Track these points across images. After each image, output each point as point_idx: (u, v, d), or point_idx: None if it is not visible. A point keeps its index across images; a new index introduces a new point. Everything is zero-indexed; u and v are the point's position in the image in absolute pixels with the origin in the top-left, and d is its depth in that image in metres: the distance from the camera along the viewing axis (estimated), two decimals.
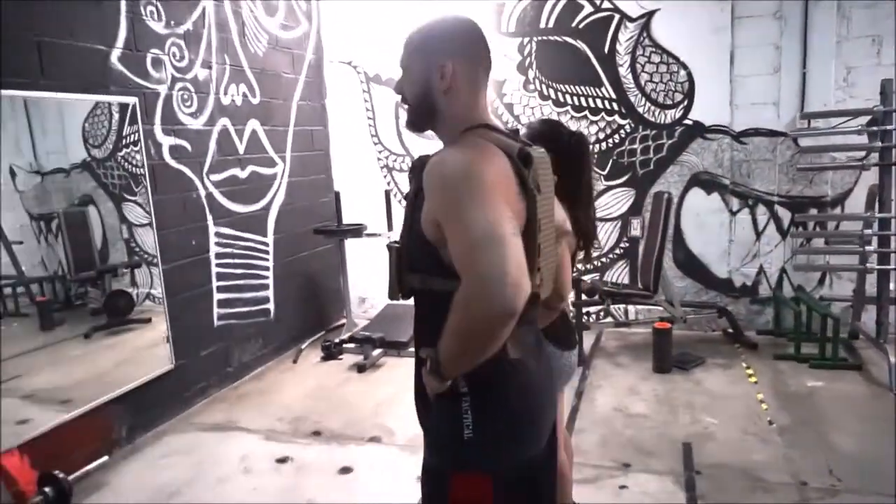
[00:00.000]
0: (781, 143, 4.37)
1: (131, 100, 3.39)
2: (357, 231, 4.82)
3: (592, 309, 4.78)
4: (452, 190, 1.20)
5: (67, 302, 4.26)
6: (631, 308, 4.82)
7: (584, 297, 4.28)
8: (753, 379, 3.85)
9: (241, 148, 4.26)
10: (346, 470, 3.05)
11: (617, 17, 4.52)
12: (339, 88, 5.25)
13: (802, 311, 4.20)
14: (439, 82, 1.34)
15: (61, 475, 2.82)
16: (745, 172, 4.48)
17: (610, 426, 3.34)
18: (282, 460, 3.17)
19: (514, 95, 4.85)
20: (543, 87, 4.77)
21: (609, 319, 4.88)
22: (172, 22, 3.67)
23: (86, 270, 4.11)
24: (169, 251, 3.67)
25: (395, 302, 1.73)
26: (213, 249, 4.03)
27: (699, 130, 4.51)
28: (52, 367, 3.83)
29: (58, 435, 3.03)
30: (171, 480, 3.02)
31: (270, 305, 4.59)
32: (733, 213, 4.56)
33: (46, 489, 2.80)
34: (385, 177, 5.29)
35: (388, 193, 4.84)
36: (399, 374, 4.21)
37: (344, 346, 4.61)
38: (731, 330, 4.50)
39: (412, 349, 4.33)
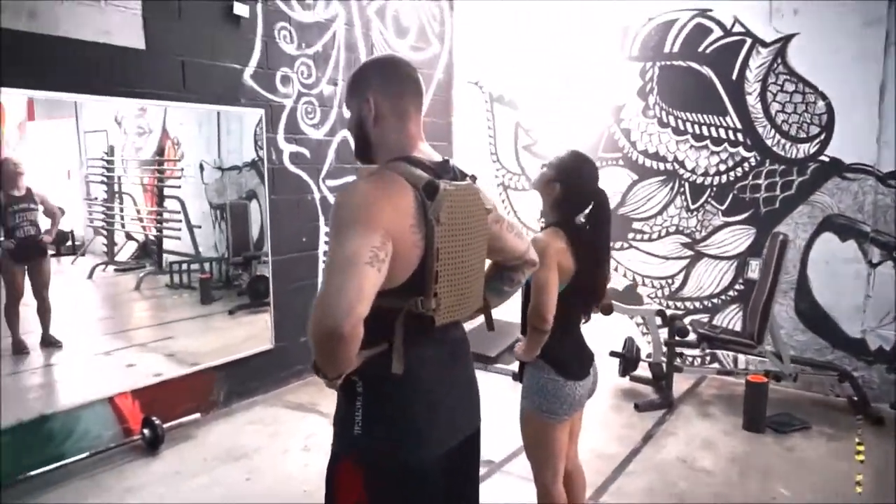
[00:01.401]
0: None
1: (258, 111, 3.92)
2: None
3: (696, 353, 4.46)
4: (337, 217, 1.32)
5: (227, 281, 5.02)
6: (742, 357, 4.41)
7: (676, 337, 4.03)
8: (861, 457, 3.35)
9: None
10: None
11: (748, 41, 4.20)
12: (465, 107, 5.48)
13: None
14: (368, 114, 1.47)
15: (157, 422, 3.37)
16: (892, 220, 3.90)
17: (664, 475, 3.14)
18: None
19: (632, 121, 4.70)
20: (663, 113, 4.57)
21: (715, 365, 4.52)
22: (304, 44, 4.16)
23: (238, 256, 4.83)
24: (280, 245, 4.15)
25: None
26: (322, 247, 4.46)
27: (837, 168, 4.02)
28: (198, 335, 4.55)
29: (167, 388, 3.59)
30: (244, 445, 3.43)
31: None
32: (873, 265, 3.99)
33: (145, 431, 3.36)
34: (500, 194, 5.41)
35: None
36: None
37: None
38: (856, 398, 3.93)
39: (500, 365, 4.38)
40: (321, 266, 4.46)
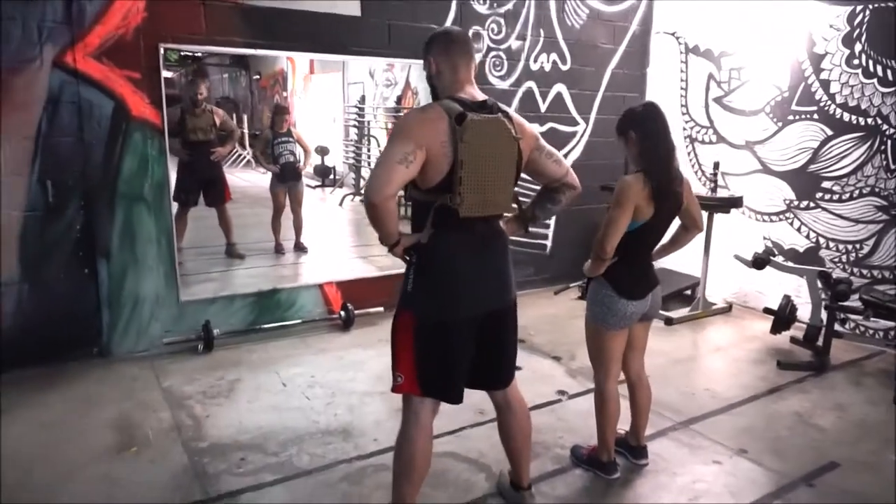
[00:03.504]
0: None
1: None
2: None
3: (880, 326, 4.13)
4: (391, 131, 1.94)
5: None
6: None
7: (836, 301, 3.83)
8: None
9: (542, 107, 5.13)
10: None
11: None
12: (660, 59, 5.52)
13: None
14: (432, 69, 2.04)
15: (351, 308, 4.40)
16: None
17: (769, 422, 3.21)
18: None
19: (833, 72, 4.36)
20: (870, 62, 4.17)
21: None
22: (495, 4, 4.71)
23: None
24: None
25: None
26: None
27: None
28: None
29: (362, 284, 4.61)
30: None
31: (548, 243, 5.44)
32: None
33: (342, 312, 4.41)
34: (686, 147, 5.40)
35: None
36: None
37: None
38: None
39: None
40: None
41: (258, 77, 15.41)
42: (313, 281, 4.53)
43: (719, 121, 5.14)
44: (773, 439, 3.04)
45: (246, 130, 13.10)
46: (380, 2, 4.24)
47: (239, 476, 2.63)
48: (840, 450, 2.96)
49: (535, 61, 5.01)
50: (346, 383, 3.52)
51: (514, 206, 2.22)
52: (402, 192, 1.99)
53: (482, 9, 4.67)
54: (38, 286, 3.53)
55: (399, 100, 8.86)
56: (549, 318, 4.73)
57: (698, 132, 5.33)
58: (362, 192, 6.63)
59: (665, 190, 2.39)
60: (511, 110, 2.11)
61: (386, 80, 9.26)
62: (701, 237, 4.74)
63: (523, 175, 2.16)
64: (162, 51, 3.61)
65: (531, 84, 5.03)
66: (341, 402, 3.32)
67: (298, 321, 4.31)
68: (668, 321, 4.63)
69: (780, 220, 4.78)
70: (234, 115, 14.30)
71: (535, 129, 2.25)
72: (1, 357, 3.43)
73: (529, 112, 5.07)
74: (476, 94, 2.04)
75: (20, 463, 2.68)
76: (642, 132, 2.43)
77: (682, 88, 5.41)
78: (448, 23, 4.54)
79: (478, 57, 4.62)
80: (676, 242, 2.72)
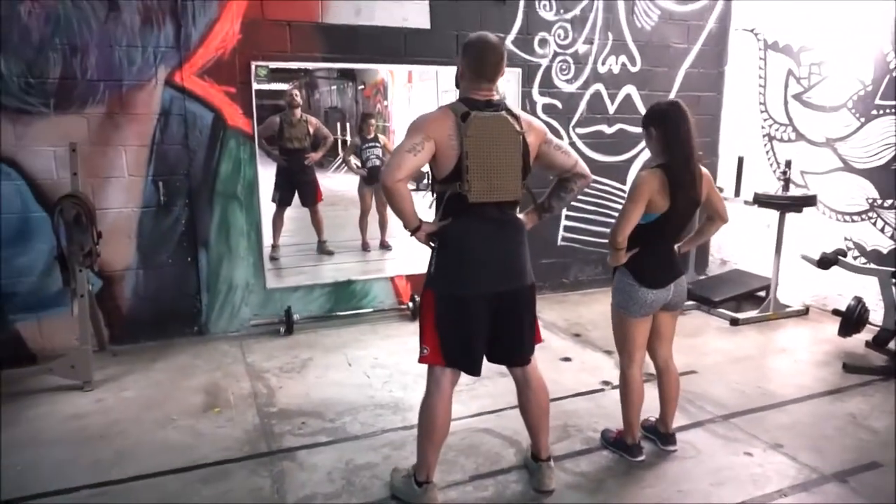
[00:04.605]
0: None
1: (516, 70, 4.84)
2: None
3: None
4: (408, 127, 2.22)
5: None
6: None
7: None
8: None
9: (611, 108, 5.22)
10: (566, 359, 3.99)
11: None
12: (737, 56, 5.42)
13: None
14: (459, 73, 2.31)
15: (418, 298, 4.72)
16: None
17: (817, 420, 3.17)
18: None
19: None
20: None
21: None
22: (562, 10, 4.88)
23: None
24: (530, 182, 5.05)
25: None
26: None
27: None
28: None
29: None
30: None
31: None
32: None
33: (410, 304, 4.76)
34: (765, 146, 5.27)
35: (741, 160, 4.96)
36: (689, 320, 4.60)
37: None
38: None
39: (721, 309, 4.62)
40: None
41: (362, 87, 16.30)
42: (385, 274, 4.92)
43: (798, 118, 4.98)
44: (816, 437, 3.01)
45: (348, 137, 13.92)
46: (448, 14, 4.54)
47: (298, 436, 3.02)
48: (887, 451, 2.88)
49: (604, 64, 5.11)
50: (404, 366, 3.84)
51: (529, 197, 2.44)
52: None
53: (548, 15, 4.86)
54: (151, 272, 4.15)
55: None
56: (609, 316, 4.79)
57: (777, 130, 5.19)
58: None
59: (681, 184, 2.50)
60: (519, 109, 2.34)
61: None
62: (773, 238, 4.67)
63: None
64: (253, 67, 4.13)
65: (599, 86, 5.13)
66: (397, 381, 3.65)
67: (370, 310, 4.70)
68: (734, 321, 4.57)
69: (863, 219, 4.57)
70: (340, 124, 15.26)
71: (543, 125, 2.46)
72: (122, 331, 4.08)
73: (597, 114, 5.19)
74: (489, 95, 2.29)
75: (133, 412, 3.26)
76: (663, 129, 2.55)
77: (760, 86, 5.29)
78: (514, 31, 4.78)
79: (544, 62, 4.88)
80: (702, 233, 2.82)
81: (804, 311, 4.81)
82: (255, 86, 4.24)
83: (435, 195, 2.37)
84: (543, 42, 4.89)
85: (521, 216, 2.46)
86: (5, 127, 3.68)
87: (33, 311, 3.90)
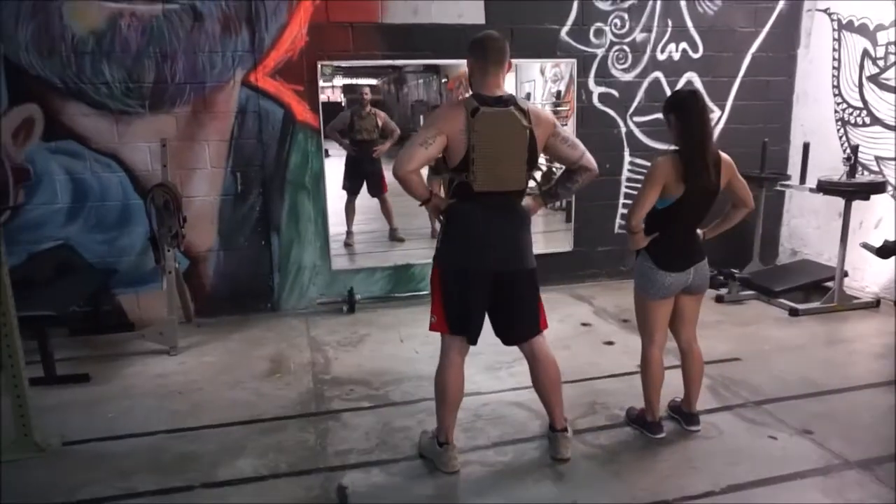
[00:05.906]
0: None
1: (571, 61, 4.93)
2: (774, 181, 5.02)
3: None
4: (424, 121, 2.45)
5: None
6: None
7: None
8: None
9: None
10: (608, 343, 4.09)
11: None
12: (809, 38, 5.22)
13: None
14: (469, 71, 2.51)
15: None
16: None
17: (853, 408, 3.13)
18: (585, 324, 4.42)
19: None
20: None
21: None
22: (619, 0, 4.91)
23: None
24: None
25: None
26: (625, 174, 5.25)
27: None
28: None
29: None
30: None
31: None
32: None
33: None
34: (838, 130, 5.06)
35: (806, 146, 4.80)
36: (745, 310, 4.55)
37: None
38: None
39: (781, 299, 4.57)
40: (623, 190, 5.27)
41: (446, 80, 16.62)
42: None
43: (874, 101, 4.75)
44: (850, 426, 2.98)
45: None
46: (502, 9, 4.71)
47: (345, 401, 3.36)
48: None
49: (663, 51, 5.09)
50: None
51: (534, 184, 2.62)
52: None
53: (604, 5, 4.91)
54: (230, 253, 4.63)
55: (558, 94, 9.18)
56: None
57: (850, 114, 4.96)
58: None
59: (695, 170, 2.58)
60: (528, 103, 2.51)
61: (553, 76, 9.63)
62: (838, 227, 4.53)
63: None
64: (319, 66, 4.50)
65: (658, 74, 5.12)
66: None
67: (426, 292, 4.96)
68: (793, 312, 4.46)
69: None
70: (423, 116, 15.62)
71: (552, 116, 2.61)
72: (205, 305, 4.60)
73: (656, 102, 5.16)
74: (499, 91, 2.47)
75: (209, 374, 3.73)
76: (679, 116, 2.64)
77: (833, 68, 5.07)
78: (569, 22, 4.87)
79: (600, 52, 4.94)
80: (727, 220, 2.86)
81: (874, 304, 4.61)
82: (342, 81, 4.60)
83: (447, 181, 2.58)
84: (599, 32, 4.94)
85: (526, 201, 2.63)
86: (110, 126, 4.25)
87: (133, 286, 4.48)
